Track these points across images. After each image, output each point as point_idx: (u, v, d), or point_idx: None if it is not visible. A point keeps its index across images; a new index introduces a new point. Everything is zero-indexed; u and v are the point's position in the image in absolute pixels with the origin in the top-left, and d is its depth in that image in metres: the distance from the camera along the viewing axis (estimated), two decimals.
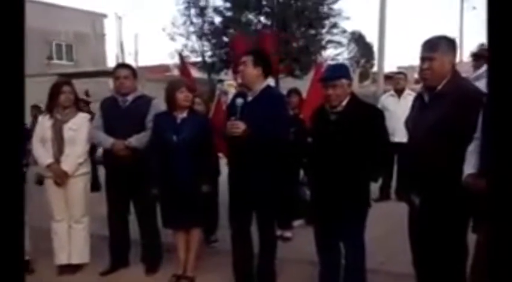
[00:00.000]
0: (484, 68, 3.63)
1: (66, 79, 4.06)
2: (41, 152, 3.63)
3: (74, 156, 3.63)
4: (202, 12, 19.37)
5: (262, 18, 18.67)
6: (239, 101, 3.16)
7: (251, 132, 3.04)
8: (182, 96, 3.38)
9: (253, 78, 3.20)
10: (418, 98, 2.73)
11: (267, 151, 3.12)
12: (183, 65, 5.95)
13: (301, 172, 4.55)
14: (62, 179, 3.61)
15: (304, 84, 6.13)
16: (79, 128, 3.67)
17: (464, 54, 24.94)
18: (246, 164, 3.16)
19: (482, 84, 2.61)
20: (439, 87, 2.52)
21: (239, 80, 3.33)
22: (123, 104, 3.66)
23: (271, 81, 3.71)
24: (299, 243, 4.16)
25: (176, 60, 18.37)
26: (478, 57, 4.31)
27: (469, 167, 2.27)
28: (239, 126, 3.03)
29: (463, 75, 2.86)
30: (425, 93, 2.62)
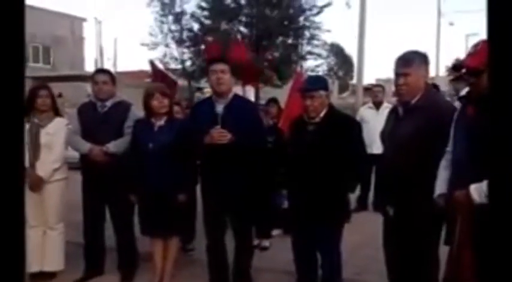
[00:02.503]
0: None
1: (43, 83, 4.00)
2: None
3: (50, 162, 3.57)
4: (178, 18, 19.31)
5: (241, 28, 18.75)
6: (219, 108, 3.18)
7: (235, 139, 3.06)
8: (156, 103, 3.36)
9: (230, 86, 3.26)
10: (393, 111, 2.80)
11: (245, 158, 3.14)
12: (154, 72, 5.95)
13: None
14: (37, 184, 3.54)
15: (283, 94, 6.18)
16: (56, 133, 3.60)
17: (441, 68, 25.59)
18: (223, 171, 3.16)
19: None
20: (413, 101, 2.59)
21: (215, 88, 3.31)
22: (102, 110, 3.62)
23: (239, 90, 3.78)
24: (276, 252, 4.17)
25: (156, 66, 18.25)
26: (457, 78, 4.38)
27: (440, 183, 2.34)
28: (226, 135, 3.05)
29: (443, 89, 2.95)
30: (400, 107, 2.69)
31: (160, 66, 13.67)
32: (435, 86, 5.95)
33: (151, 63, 6.21)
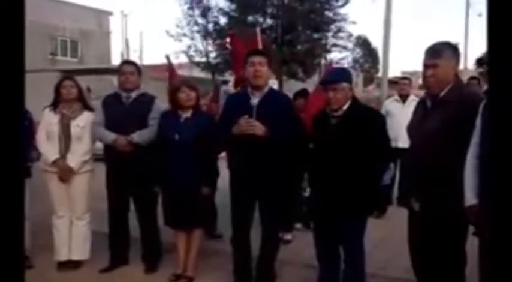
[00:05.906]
0: None
1: (70, 74, 4.09)
2: (47, 147, 3.64)
3: (80, 153, 3.64)
4: (205, 12, 19.46)
5: (267, 20, 18.72)
6: (254, 101, 3.18)
7: (269, 132, 3.05)
8: (184, 96, 3.39)
9: (267, 79, 3.25)
10: (421, 104, 2.73)
11: (278, 152, 3.13)
12: (170, 66, 6.05)
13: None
14: (67, 175, 3.62)
15: (307, 87, 6.11)
16: (86, 126, 3.67)
17: (469, 61, 24.89)
18: (257, 163, 3.15)
19: None
20: (442, 93, 2.51)
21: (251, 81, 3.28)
22: (127, 101, 3.66)
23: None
24: (299, 246, 4.16)
25: (180, 59, 18.48)
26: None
27: (469, 191, 2.26)
28: (257, 126, 3.05)
29: None
30: (428, 99, 2.62)
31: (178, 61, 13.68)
32: (475, 78, 5.77)
33: (167, 58, 6.20)
